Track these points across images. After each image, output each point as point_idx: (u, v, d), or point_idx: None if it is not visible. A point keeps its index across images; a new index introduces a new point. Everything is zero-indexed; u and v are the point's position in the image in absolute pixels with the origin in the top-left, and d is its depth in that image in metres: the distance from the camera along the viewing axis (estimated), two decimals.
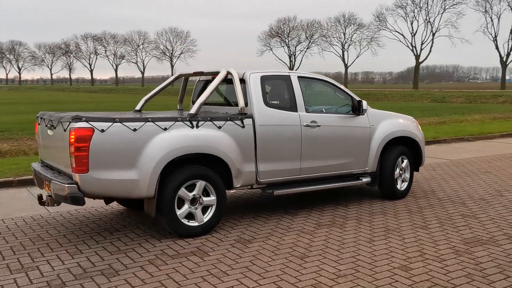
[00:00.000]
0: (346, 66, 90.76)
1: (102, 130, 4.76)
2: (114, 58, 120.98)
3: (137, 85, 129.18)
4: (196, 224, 5.28)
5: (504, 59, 69.30)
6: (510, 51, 68.24)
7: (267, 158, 5.74)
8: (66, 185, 4.73)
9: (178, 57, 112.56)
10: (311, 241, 5.10)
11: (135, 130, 4.92)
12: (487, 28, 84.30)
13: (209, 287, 3.96)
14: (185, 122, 5.22)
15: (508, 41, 68.64)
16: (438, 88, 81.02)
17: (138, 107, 6.78)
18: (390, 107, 30.58)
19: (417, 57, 76.92)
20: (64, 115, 5.10)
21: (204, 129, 5.31)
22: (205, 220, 5.33)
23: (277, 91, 6.10)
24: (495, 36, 69.12)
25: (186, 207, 5.22)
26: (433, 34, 74.69)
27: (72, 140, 4.69)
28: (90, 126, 4.73)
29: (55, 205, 5.47)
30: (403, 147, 6.98)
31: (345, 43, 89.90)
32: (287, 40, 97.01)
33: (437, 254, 4.68)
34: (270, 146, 5.75)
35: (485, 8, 69.98)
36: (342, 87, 6.65)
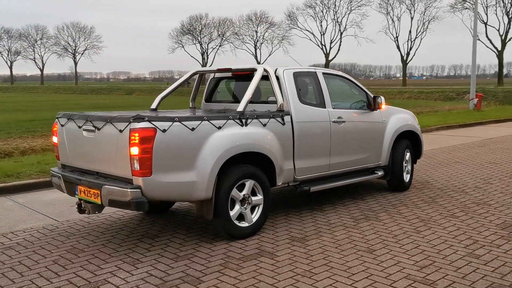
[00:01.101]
0: (258, 64, 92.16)
1: (164, 130, 4.47)
2: (8, 55, 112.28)
3: (35, 83, 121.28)
4: (246, 224, 5.15)
5: (405, 58, 74.49)
6: (410, 50, 73.52)
7: (303, 155, 5.73)
8: (129, 190, 4.38)
9: (82, 53, 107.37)
10: (364, 235, 5.18)
11: (193, 129, 4.68)
12: (389, 29, 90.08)
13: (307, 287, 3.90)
14: (235, 120, 5.06)
15: (407, 41, 73.92)
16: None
17: (154, 106, 6.44)
18: None
19: (326, 55, 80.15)
20: (114, 115, 4.73)
21: (252, 127, 5.19)
22: (254, 220, 5.21)
23: (307, 87, 6.10)
24: (396, 37, 74.08)
25: (237, 207, 5.06)
26: (341, 34, 78.28)
27: (136, 141, 4.35)
28: (153, 126, 4.42)
29: (96, 212, 5.07)
30: (407, 141, 7.30)
31: (257, 41, 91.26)
32: (199, 38, 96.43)
33: (488, 239, 4.97)
34: (305, 142, 5.74)
35: (387, 10, 74.76)
36: (358, 83, 6.82)
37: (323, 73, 6.30)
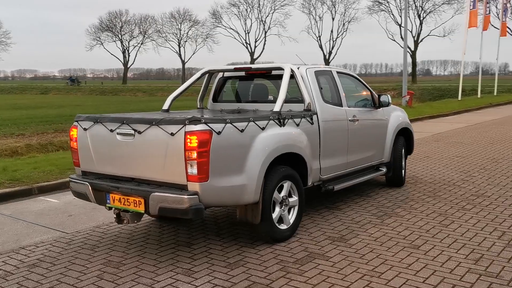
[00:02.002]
0: (183, 62, 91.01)
1: (219, 133, 4.26)
2: None
3: None
4: (285, 227, 5.05)
5: (327, 56, 77.09)
6: (332, 49, 76.20)
7: (327, 154, 5.73)
8: (186, 197, 4.12)
9: None
10: (397, 231, 5.28)
11: (242, 131, 4.51)
12: (311, 29, 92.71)
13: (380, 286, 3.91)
14: (275, 120, 4.94)
15: (329, 41, 76.58)
16: None
17: (166, 107, 6.12)
18: None
19: (251, 54, 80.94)
20: (160, 117, 4.43)
21: (288, 128, 5.10)
22: (291, 222, 5.13)
23: (327, 86, 6.09)
24: (319, 36, 76.49)
25: (278, 210, 4.95)
26: (265, 33, 79.41)
27: (193, 144, 4.11)
28: (209, 128, 4.20)
29: (135, 222, 4.74)
30: (403, 137, 7.54)
31: (181, 39, 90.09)
32: (119, 35, 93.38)
33: None
34: (329, 142, 5.74)
35: (309, 10, 76.93)
36: (363, 81, 6.93)
37: (337, 72, 6.34)
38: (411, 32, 67.93)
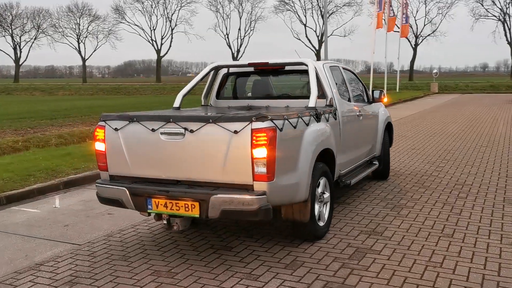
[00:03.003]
0: (84, 59, 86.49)
1: (281, 129, 4.11)
2: None
3: None
4: (322, 223, 5.01)
5: (235, 55, 77.63)
6: (240, 47, 76.88)
7: (343, 149, 5.78)
8: (255, 197, 3.92)
9: None
10: (425, 223, 5.47)
11: (295, 127, 4.39)
12: (219, 27, 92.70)
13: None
14: (313, 116, 4.87)
15: (237, 39, 77.21)
16: (178, 81, 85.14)
17: (177, 105, 5.77)
18: (154, 102, 31.19)
19: (158, 51, 79.02)
20: (217, 114, 4.16)
21: (322, 123, 5.05)
22: (326, 218, 5.10)
23: (339, 81, 6.11)
24: (227, 34, 76.76)
25: (317, 207, 4.90)
26: (172, 30, 77.95)
27: (262, 142, 3.92)
28: (274, 125, 4.03)
29: (185, 227, 4.43)
30: (387, 131, 7.82)
31: (80, 34, 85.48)
32: (10, 29, 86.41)
33: None
34: (346, 137, 5.79)
35: (216, 7, 76.92)
36: (358, 76, 7.07)
37: (343, 68, 6.42)
38: (315, 31, 70.70)
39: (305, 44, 70.86)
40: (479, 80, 56.14)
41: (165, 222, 4.43)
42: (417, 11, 68.97)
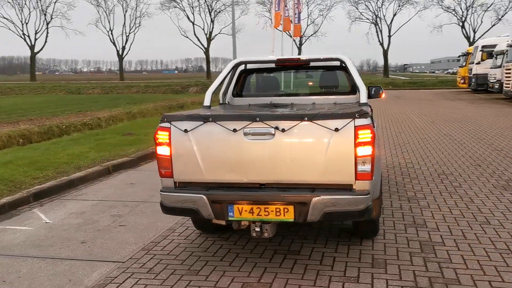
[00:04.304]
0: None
1: (374, 126, 4.01)
2: None
3: None
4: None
5: (120, 52, 74.46)
6: (125, 44, 73.87)
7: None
8: (363, 197, 3.78)
9: None
10: (459, 215, 5.71)
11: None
12: (102, 22, 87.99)
13: None
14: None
15: (122, 36, 74.04)
16: (56, 79, 79.50)
17: (208, 103, 5.32)
18: (41, 102, 29.00)
19: (31, 47, 72.80)
20: (313, 111, 3.91)
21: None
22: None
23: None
24: (110, 30, 73.19)
25: None
26: (47, 24, 72.32)
27: (367, 140, 3.79)
28: (372, 122, 3.91)
29: (273, 233, 4.11)
30: None
31: None
32: None
33: None
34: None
35: (98, 1, 72.90)
36: None
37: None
38: (203, 29, 70.39)
39: (194, 42, 70.26)
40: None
41: (257, 229, 4.06)
42: (300, 12, 72.06)
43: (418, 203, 6.06)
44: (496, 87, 26.74)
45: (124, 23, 73.14)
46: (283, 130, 3.87)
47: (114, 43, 73.40)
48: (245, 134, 3.93)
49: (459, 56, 39.76)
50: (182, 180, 4.13)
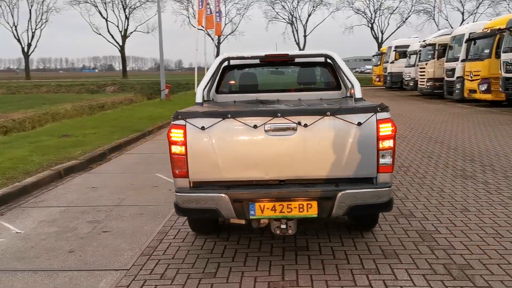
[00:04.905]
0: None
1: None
2: None
3: None
4: None
5: (26, 49, 69.76)
6: (31, 41, 69.32)
7: None
8: (387, 189, 3.85)
9: None
10: (461, 197, 5.99)
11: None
12: (4, 17, 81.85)
13: None
14: None
15: (27, 31, 69.37)
16: None
17: (200, 100, 5.11)
18: None
19: None
20: (336, 106, 3.89)
21: None
22: None
23: None
24: (15, 26, 68.28)
25: None
26: None
27: (388, 133, 3.87)
28: (390, 116, 3.98)
29: (295, 230, 4.05)
30: None
31: None
32: None
33: None
34: None
35: None
36: None
37: None
38: (117, 27, 67.97)
39: (108, 40, 67.71)
40: None
41: (283, 226, 3.97)
42: (220, 11, 71.97)
43: (395, 194, 6.29)
44: (411, 84, 28.55)
45: (30, 19, 68.31)
46: (305, 125, 3.84)
47: (19, 40, 68.65)
48: (266, 130, 3.85)
49: (373, 56, 41.95)
50: (199, 180, 3.96)
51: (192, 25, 66.11)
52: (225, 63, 5.77)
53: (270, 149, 3.88)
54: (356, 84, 5.11)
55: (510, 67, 16.45)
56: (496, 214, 5.37)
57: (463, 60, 20.45)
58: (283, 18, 68.76)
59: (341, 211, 3.84)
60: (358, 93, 5.04)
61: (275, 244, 4.65)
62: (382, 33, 66.04)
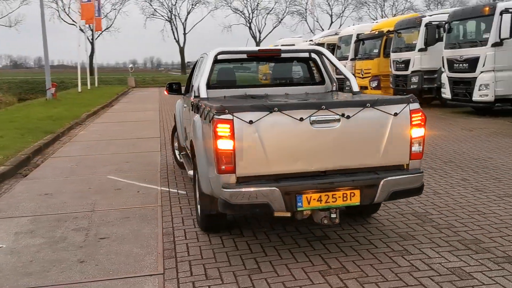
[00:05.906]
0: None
1: None
2: None
3: None
4: None
5: None
6: None
7: None
8: (420, 175, 4.18)
9: None
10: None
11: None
12: None
13: None
14: None
15: None
16: None
17: (205, 95, 4.95)
18: None
19: None
20: (373, 98, 4.06)
21: None
22: None
23: None
24: None
25: None
26: None
27: (420, 122, 4.16)
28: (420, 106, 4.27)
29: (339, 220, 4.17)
30: None
31: None
32: None
33: None
34: None
35: None
36: None
37: None
38: None
39: None
40: (162, 75, 60.79)
41: (333, 215, 4.05)
42: (100, 6, 68.33)
43: None
44: None
45: None
46: (348, 117, 3.98)
47: None
48: (312, 122, 3.92)
49: None
50: (246, 175, 3.89)
51: (62, 19, 62.19)
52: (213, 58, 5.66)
53: (315, 141, 3.96)
54: (352, 78, 5.38)
55: (399, 65, 18.15)
56: (464, 195, 6.01)
57: (352, 59, 22.05)
58: (162, 16, 67.53)
59: (384, 197, 4.07)
60: (355, 87, 5.31)
61: (295, 236, 4.72)
62: (260, 32, 68.24)
